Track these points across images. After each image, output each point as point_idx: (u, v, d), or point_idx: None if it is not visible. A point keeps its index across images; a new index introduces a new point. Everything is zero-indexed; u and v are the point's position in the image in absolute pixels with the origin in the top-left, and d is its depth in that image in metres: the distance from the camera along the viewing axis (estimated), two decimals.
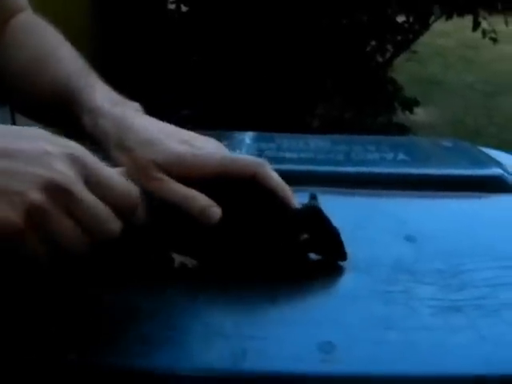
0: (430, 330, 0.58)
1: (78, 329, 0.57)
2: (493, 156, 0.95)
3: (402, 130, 3.78)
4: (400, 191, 0.81)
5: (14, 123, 2.40)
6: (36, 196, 0.52)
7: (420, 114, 4.25)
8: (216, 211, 0.64)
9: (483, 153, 0.95)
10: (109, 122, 0.70)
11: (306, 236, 0.67)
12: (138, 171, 0.66)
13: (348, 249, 0.67)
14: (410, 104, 3.85)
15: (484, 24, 3.98)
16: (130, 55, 3.03)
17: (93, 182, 0.56)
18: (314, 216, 0.67)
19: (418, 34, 3.80)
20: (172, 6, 3.44)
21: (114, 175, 0.58)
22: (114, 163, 0.67)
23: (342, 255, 0.66)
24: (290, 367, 0.54)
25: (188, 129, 0.74)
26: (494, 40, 4.06)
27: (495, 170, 0.86)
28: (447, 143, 0.96)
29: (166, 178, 0.66)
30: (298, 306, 0.62)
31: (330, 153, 0.90)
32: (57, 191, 0.53)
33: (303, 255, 0.67)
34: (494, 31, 4.04)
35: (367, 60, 3.68)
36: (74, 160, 0.55)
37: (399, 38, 3.77)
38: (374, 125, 3.72)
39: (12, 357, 0.54)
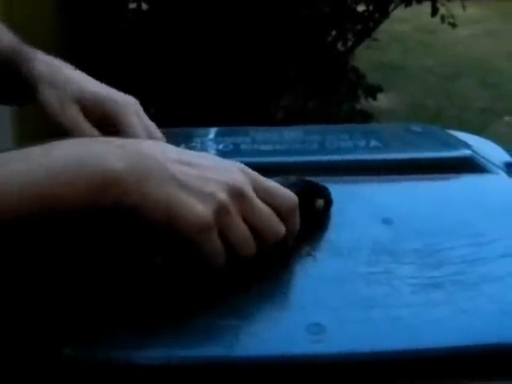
0: (412, 307, 0.61)
1: (72, 323, 0.59)
2: (460, 138, 0.98)
3: (365, 117, 3.80)
4: (375, 177, 0.83)
5: None
6: (223, 197, 0.61)
7: (382, 100, 4.28)
8: None
9: (451, 135, 0.98)
10: (44, 65, 0.88)
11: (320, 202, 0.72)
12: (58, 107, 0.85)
13: (329, 234, 0.70)
14: (373, 91, 3.88)
15: (442, 9, 4.02)
16: (94, 56, 3.03)
17: (260, 190, 0.64)
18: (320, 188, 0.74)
19: (378, 23, 3.83)
20: (133, 5, 3.44)
21: (274, 184, 0.66)
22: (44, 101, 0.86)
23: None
24: (281, 350, 0.56)
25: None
26: (453, 25, 4.10)
27: (465, 152, 0.89)
28: (416, 128, 0.99)
29: (77, 115, 0.85)
30: (285, 291, 0.65)
31: (303, 143, 0.92)
32: (238, 195, 0.62)
33: None
34: (452, 16, 4.08)
35: (329, 49, 3.70)
36: (245, 172, 0.64)
37: (359, 27, 3.80)
38: (338, 113, 3.75)
39: (7, 351, 0.56)
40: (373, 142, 0.91)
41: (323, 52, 3.63)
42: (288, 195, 0.66)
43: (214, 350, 0.56)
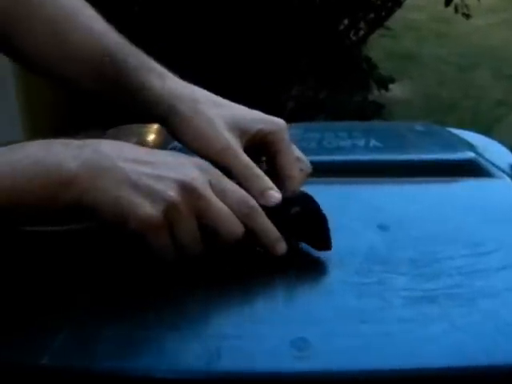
0: (404, 322, 0.58)
1: (50, 331, 0.56)
2: (465, 138, 0.95)
3: (378, 107, 3.76)
4: (372, 178, 0.81)
5: None
6: (174, 195, 0.61)
7: (395, 90, 4.24)
8: (276, 195, 0.67)
9: (455, 136, 0.95)
10: (179, 84, 0.74)
11: (297, 209, 0.67)
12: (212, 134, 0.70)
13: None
14: (385, 81, 3.84)
15: None
16: None
17: (218, 189, 0.63)
18: (305, 199, 0.67)
19: (391, 11, 3.79)
20: None
21: (233, 184, 0.65)
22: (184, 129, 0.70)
23: (327, 245, 0.66)
24: (263, 366, 0.54)
25: None
26: (467, 16, 4.05)
27: (468, 154, 0.86)
28: (419, 127, 0.96)
29: (234, 145, 0.69)
30: (271, 302, 0.62)
31: (301, 141, 0.89)
32: (190, 193, 0.62)
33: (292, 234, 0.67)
34: (466, 7, 4.02)
35: (340, 39, 3.66)
36: (203, 169, 0.64)
37: (372, 15, 3.75)
38: (350, 104, 3.71)
39: None
40: (372, 142, 0.88)
41: (335, 41, 3.58)
42: (246, 197, 0.65)
43: (193, 363, 0.54)
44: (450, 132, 0.97)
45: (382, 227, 0.72)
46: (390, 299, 0.61)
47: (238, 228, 0.63)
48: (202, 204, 0.62)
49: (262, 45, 3.26)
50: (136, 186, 0.61)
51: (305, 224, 0.67)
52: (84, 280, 0.63)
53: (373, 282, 0.63)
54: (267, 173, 0.69)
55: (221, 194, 0.63)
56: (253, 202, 0.65)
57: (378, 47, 4.31)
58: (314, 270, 0.65)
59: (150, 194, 0.61)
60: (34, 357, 0.53)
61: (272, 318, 0.59)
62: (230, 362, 0.54)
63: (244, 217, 0.64)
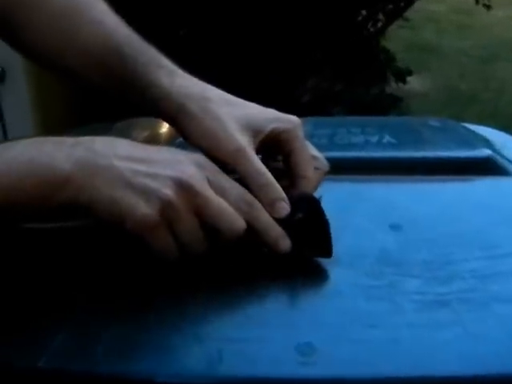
0: (414, 327, 0.56)
1: (47, 332, 0.55)
2: (482, 134, 0.92)
3: (395, 100, 3.73)
4: (385, 176, 0.78)
5: None
6: (170, 193, 0.59)
7: (413, 82, 4.20)
8: (286, 207, 0.64)
9: (472, 132, 0.92)
10: (190, 82, 0.71)
11: (300, 215, 0.64)
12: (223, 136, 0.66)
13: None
14: (402, 74, 3.80)
15: None
16: None
17: (216, 185, 0.62)
18: (310, 203, 0.64)
19: (409, 2, 3.75)
20: None
21: (231, 180, 0.63)
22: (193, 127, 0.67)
23: (328, 252, 0.64)
24: (265, 371, 0.52)
25: None
26: (488, 7, 4.00)
27: (484, 151, 0.83)
28: (434, 123, 0.93)
29: (246, 147, 0.66)
30: (275, 305, 0.60)
31: (312, 137, 0.87)
32: (187, 190, 0.60)
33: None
34: None
35: (358, 30, 3.63)
36: (200, 165, 0.62)
37: (391, 6, 3.71)
38: (366, 96, 3.68)
39: None
40: (386, 138, 0.86)
41: (353, 32, 3.55)
42: (245, 192, 0.63)
43: (194, 367, 0.52)
44: (466, 128, 0.94)
45: (395, 227, 0.69)
46: (400, 303, 0.59)
47: (239, 224, 0.61)
48: (199, 201, 0.60)
49: (278, 36, 3.24)
50: (131, 185, 0.59)
51: (307, 230, 0.64)
52: (83, 279, 0.61)
53: (383, 285, 0.61)
54: (283, 172, 0.67)
55: (219, 190, 0.62)
56: (252, 198, 0.63)
57: (396, 39, 4.27)
58: (321, 271, 0.63)
59: (145, 193, 0.59)
60: (31, 359, 0.51)
61: (276, 321, 0.57)
62: (232, 366, 0.52)
63: (244, 214, 0.62)
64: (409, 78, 3.93)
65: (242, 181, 0.64)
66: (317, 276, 0.63)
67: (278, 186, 0.65)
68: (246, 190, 0.63)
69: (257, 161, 0.65)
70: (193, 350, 0.53)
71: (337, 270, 0.63)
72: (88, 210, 0.60)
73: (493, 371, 0.52)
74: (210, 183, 0.61)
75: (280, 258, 0.63)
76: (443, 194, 0.77)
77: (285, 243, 0.63)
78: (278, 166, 0.69)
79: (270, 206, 0.64)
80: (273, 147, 0.69)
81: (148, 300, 0.59)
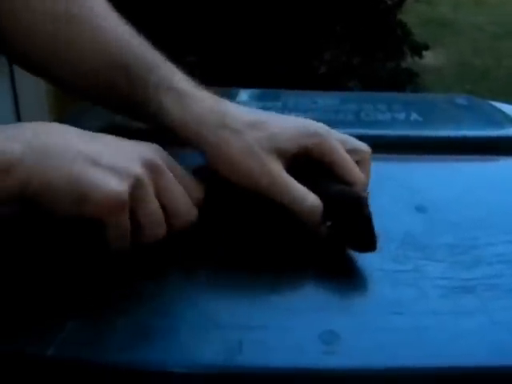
0: (439, 315, 0.54)
1: (57, 321, 0.52)
2: (509, 113, 0.89)
3: (411, 75, 3.69)
4: (411, 155, 0.76)
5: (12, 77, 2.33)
6: (139, 170, 0.56)
7: (428, 57, 4.16)
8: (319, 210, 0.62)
9: (499, 111, 0.89)
10: (204, 107, 0.65)
11: (342, 215, 0.61)
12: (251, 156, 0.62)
13: None
14: (419, 48, 3.76)
15: None
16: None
17: (175, 172, 0.60)
18: (352, 199, 0.62)
19: None
20: None
21: (185, 170, 0.62)
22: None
23: (372, 247, 0.61)
24: (287, 361, 0.50)
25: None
26: None
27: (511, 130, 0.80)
28: (461, 100, 0.90)
29: (283, 177, 0.62)
30: (299, 292, 0.58)
31: (338, 113, 0.84)
32: (155, 170, 0.58)
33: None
34: None
35: (376, 3, 3.59)
36: (160, 151, 0.60)
37: None
38: (382, 70, 3.64)
39: None
40: (412, 116, 0.83)
41: (370, 5, 3.51)
42: (196, 183, 0.62)
43: (212, 357, 0.50)
44: (492, 105, 0.91)
45: (420, 209, 0.67)
46: (425, 289, 0.57)
47: (192, 211, 0.60)
48: (164, 183, 0.58)
49: (299, 9, 3.21)
50: (96, 162, 0.55)
51: (350, 228, 0.61)
52: (94, 265, 0.58)
53: (408, 270, 0.59)
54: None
55: (177, 177, 0.60)
56: (201, 188, 0.62)
57: (413, 13, 4.22)
58: (345, 255, 0.61)
59: (114, 169, 0.55)
60: (41, 348, 0.49)
61: (299, 308, 0.55)
62: (252, 356, 0.50)
63: (196, 203, 0.61)
64: (424, 53, 3.89)
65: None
66: (340, 261, 0.61)
67: (321, 207, 0.61)
68: (198, 182, 0.62)
69: (295, 185, 0.62)
70: (211, 339, 0.51)
71: (363, 254, 0.60)
72: (40, 196, 0.54)
73: None
74: (168, 168, 0.59)
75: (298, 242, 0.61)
76: (470, 174, 0.75)
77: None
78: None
79: (316, 229, 0.61)
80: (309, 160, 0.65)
81: (163, 286, 0.57)
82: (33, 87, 2.39)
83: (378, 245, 0.60)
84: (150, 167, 0.57)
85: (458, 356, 0.50)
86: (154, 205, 0.57)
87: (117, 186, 0.54)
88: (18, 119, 2.39)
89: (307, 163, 0.64)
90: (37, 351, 0.49)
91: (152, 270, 0.59)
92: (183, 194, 0.59)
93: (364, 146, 0.67)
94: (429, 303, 0.55)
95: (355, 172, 0.64)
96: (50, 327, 0.52)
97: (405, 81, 3.62)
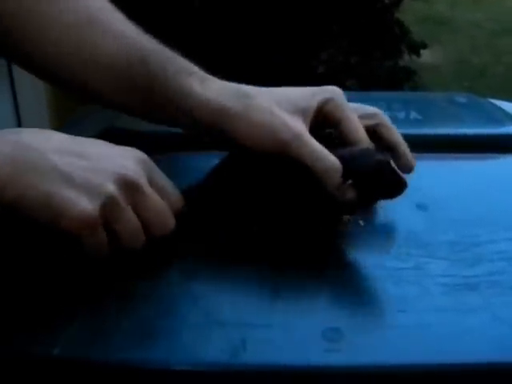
0: (442, 311, 0.54)
1: (62, 321, 0.53)
2: (508, 110, 0.90)
3: (409, 73, 3.70)
4: (412, 153, 0.76)
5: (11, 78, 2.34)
6: (112, 188, 0.56)
7: (426, 55, 4.17)
8: (351, 192, 0.63)
9: (499, 109, 0.89)
10: (223, 85, 0.67)
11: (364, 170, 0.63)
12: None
13: (357, 218, 0.63)
14: (417, 47, 3.77)
15: None
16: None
17: (154, 182, 0.60)
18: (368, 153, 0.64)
19: None
20: None
21: (167, 179, 0.63)
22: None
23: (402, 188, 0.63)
24: (290, 359, 0.50)
25: None
26: None
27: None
28: (461, 98, 0.91)
29: (305, 135, 0.63)
30: (302, 290, 0.58)
31: None
32: (128, 186, 0.58)
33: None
34: None
35: (373, 2, 3.59)
36: (141, 161, 0.60)
37: None
38: (380, 69, 3.65)
39: None
40: (412, 114, 0.83)
41: (368, 5, 3.52)
42: (178, 193, 0.63)
43: (216, 355, 0.50)
44: (492, 104, 0.92)
45: (421, 207, 0.67)
46: (428, 286, 0.57)
47: (170, 222, 0.61)
48: (140, 198, 0.59)
49: (296, 8, 3.21)
50: (69, 180, 0.56)
51: (376, 180, 0.63)
52: (99, 266, 0.59)
53: (410, 267, 0.59)
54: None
55: (156, 187, 0.60)
56: (181, 201, 0.63)
57: (410, 11, 4.23)
58: (348, 253, 0.61)
59: (86, 188, 0.56)
60: (46, 347, 0.50)
61: (302, 306, 0.55)
62: (256, 354, 0.50)
63: (176, 212, 0.61)
64: (422, 51, 3.90)
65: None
66: (343, 258, 0.61)
67: (340, 168, 0.62)
68: (175, 189, 0.63)
69: (316, 144, 0.63)
70: (214, 337, 0.51)
71: (364, 251, 0.61)
72: (12, 205, 0.55)
73: None
74: (148, 179, 0.60)
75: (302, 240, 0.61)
76: (470, 172, 0.75)
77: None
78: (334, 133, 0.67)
79: (335, 190, 0.62)
80: (321, 121, 0.66)
81: (165, 285, 0.57)
82: (32, 87, 2.39)
83: (380, 243, 0.60)
84: (125, 183, 0.58)
85: (461, 352, 0.51)
86: (129, 220, 0.58)
87: (87, 205, 0.55)
88: (18, 119, 2.39)
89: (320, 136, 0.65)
90: (42, 351, 0.50)
91: (154, 268, 0.59)
92: (161, 205, 0.60)
93: (375, 110, 0.70)
94: (431, 300, 0.55)
95: (361, 132, 0.66)
96: (54, 327, 0.52)
97: (403, 79, 3.63)
